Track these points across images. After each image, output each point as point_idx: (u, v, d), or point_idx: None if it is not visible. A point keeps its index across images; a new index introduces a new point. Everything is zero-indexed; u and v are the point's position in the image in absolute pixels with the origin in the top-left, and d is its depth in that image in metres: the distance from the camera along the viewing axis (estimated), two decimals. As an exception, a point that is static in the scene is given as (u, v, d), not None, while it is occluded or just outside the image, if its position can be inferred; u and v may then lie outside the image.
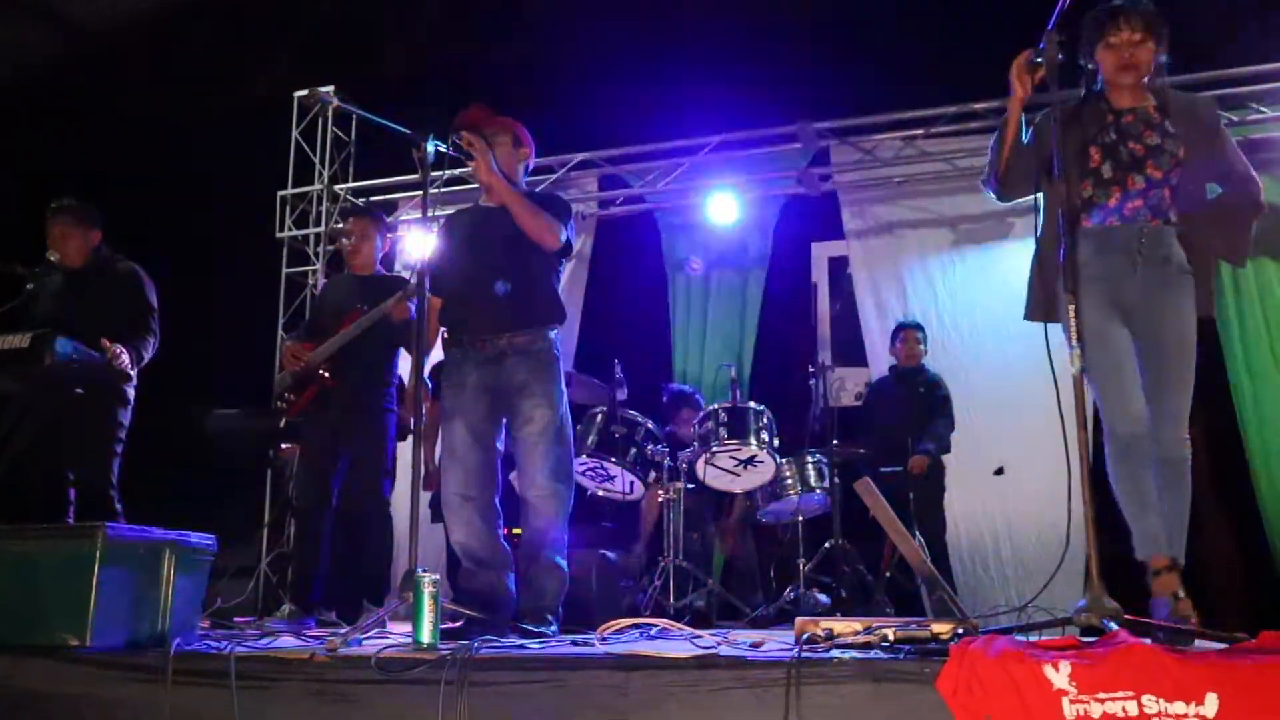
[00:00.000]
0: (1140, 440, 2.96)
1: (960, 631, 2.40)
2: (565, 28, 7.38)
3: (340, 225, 4.82)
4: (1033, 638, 2.42)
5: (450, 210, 4.54)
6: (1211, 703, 1.98)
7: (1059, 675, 2.07)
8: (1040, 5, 2.83)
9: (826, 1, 6.94)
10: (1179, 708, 1.99)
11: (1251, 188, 3.12)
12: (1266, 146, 5.69)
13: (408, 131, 3.29)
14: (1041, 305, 3.15)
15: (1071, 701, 2.05)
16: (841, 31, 6.69)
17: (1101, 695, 2.04)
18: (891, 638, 2.41)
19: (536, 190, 4.17)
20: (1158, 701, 2.00)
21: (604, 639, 2.88)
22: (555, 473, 3.51)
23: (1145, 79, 3.10)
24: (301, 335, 4.52)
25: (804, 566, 5.08)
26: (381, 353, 4.48)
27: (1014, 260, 5.78)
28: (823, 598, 4.98)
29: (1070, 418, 2.57)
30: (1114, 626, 2.33)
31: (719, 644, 2.65)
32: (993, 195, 3.27)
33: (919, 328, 5.90)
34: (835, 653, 2.32)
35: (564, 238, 3.62)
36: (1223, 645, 2.34)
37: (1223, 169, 3.11)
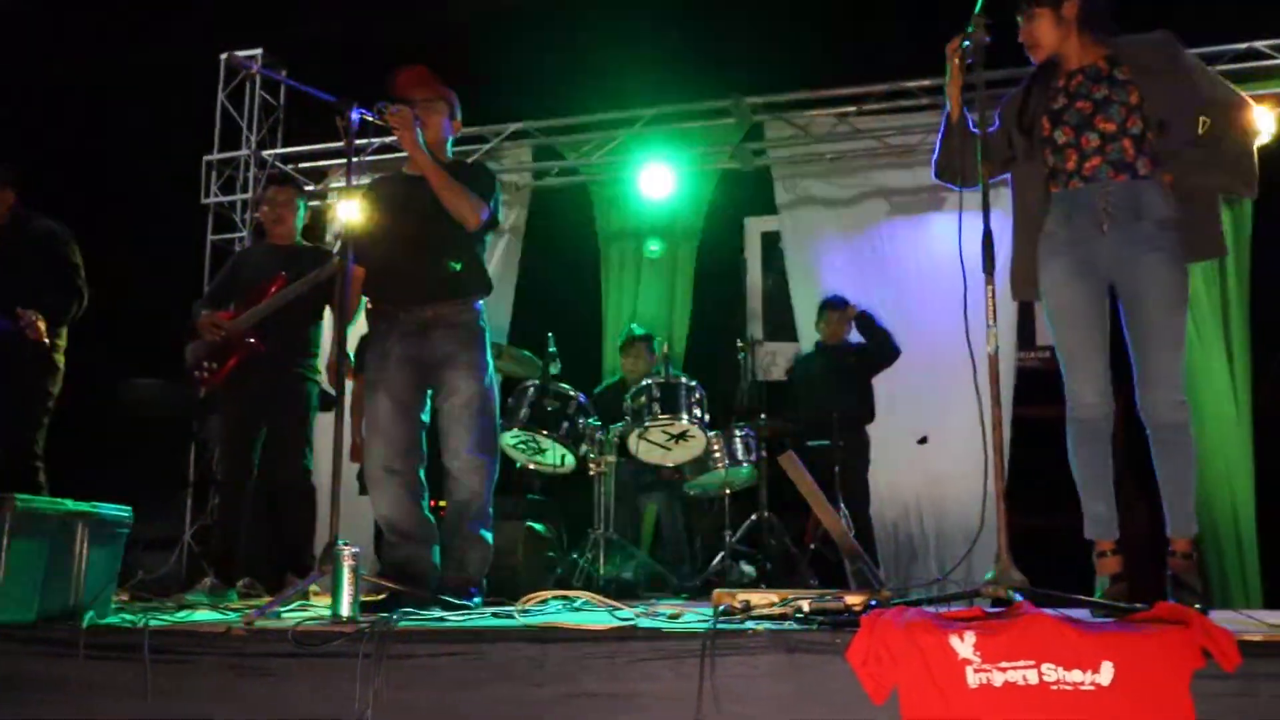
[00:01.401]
0: (1100, 423, 3.00)
1: (872, 603, 2.45)
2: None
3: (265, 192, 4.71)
4: (944, 609, 2.48)
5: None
6: (1107, 670, 2.05)
7: (964, 645, 2.13)
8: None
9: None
10: (1076, 675, 2.06)
11: (1238, 112, 2.97)
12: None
13: (331, 98, 3.23)
14: (1022, 284, 3.15)
15: (975, 670, 2.11)
16: (777, 8, 6.70)
17: (1004, 664, 2.11)
18: (806, 609, 2.44)
19: (466, 160, 4.13)
20: (1056, 670, 2.07)
21: (524, 611, 2.89)
22: (480, 445, 3.50)
23: (1080, 33, 3.03)
24: (208, 304, 4.42)
25: (730, 539, 5.14)
26: (304, 323, 4.42)
27: (943, 234, 5.89)
28: (748, 569, 5.05)
29: (985, 395, 2.63)
30: (1019, 598, 2.40)
31: (638, 616, 2.67)
32: (952, 186, 3.19)
33: (844, 307, 5.94)
34: (750, 624, 2.36)
35: (485, 216, 3.58)
36: (1119, 616, 2.42)
37: (1199, 99, 2.95)
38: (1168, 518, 3.00)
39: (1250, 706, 1.98)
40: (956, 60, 2.93)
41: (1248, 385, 5.83)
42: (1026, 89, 3.15)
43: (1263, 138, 2.99)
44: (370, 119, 3.40)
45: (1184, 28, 3.09)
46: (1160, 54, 2.99)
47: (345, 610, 2.71)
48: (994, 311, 2.60)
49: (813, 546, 5.26)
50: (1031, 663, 2.09)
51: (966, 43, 2.81)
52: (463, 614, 2.94)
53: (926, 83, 6.14)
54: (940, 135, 3.16)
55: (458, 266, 3.59)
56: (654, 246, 6.93)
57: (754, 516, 5.22)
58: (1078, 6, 3.02)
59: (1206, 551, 5.67)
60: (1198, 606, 2.77)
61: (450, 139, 3.82)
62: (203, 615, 3.06)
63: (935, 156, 3.18)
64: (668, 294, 6.93)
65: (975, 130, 3.12)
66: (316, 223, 6.85)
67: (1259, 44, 5.79)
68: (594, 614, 2.83)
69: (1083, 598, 2.57)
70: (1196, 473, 3.01)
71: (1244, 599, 5.57)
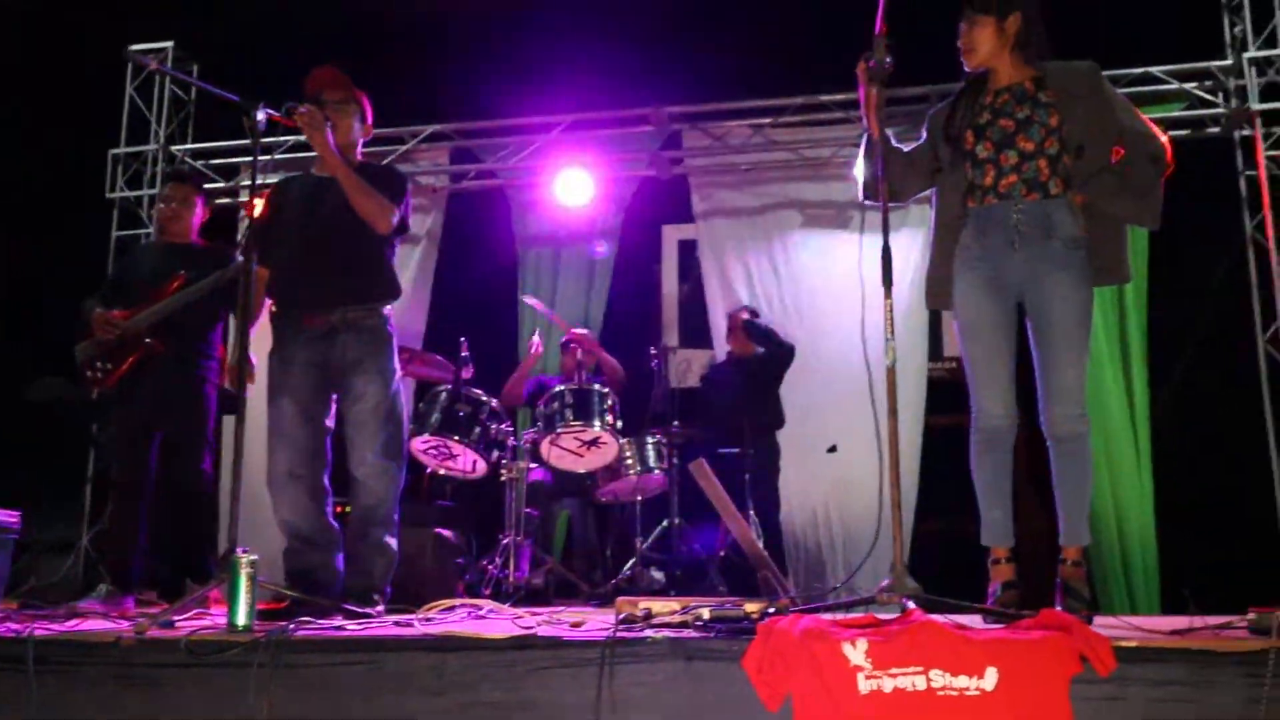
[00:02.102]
0: (1002, 434, 3.08)
1: (771, 610, 2.48)
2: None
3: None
4: (839, 616, 2.53)
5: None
6: (991, 676, 2.11)
7: (856, 652, 2.18)
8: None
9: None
10: (962, 681, 2.12)
11: (1150, 145, 3.05)
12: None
13: (234, 97, 3.17)
14: (936, 293, 3.22)
15: (866, 677, 2.16)
16: (696, 19, 6.75)
17: (894, 670, 2.16)
18: (706, 617, 2.48)
19: (378, 163, 4.09)
20: (944, 675, 2.13)
21: (426, 619, 2.87)
22: (386, 450, 3.47)
23: (1013, 53, 3.11)
24: (100, 302, 4.30)
25: (641, 545, 5.17)
26: (203, 325, 4.32)
27: (852, 248, 5.99)
28: (658, 576, 5.08)
29: (882, 406, 2.69)
30: (911, 605, 2.46)
31: (540, 624, 2.67)
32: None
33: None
34: (649, 632, 2.37)
35: (396, 220, 3.56)
36: (1006, 623, 2.49)
37: (1116, 128, 3.04)
38: (1061, 526, 3.11)
39: (1122, 709, 2.06)
40: (865, 81, 2.99)
41: (1146, 402, 6.04)
42: (954, 102, 3.23)
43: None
44: (278, 118, 3.35)
45: (1084, 51, 3.20)
46: (1084, 81, 3.10)
47: (241, 619, 2.66)
48: (891, 325, 2.66)
49: (722, 553, 5.30)
50: (920, 669, 2.15)
51: (872, 63, 2.86)
52: (363, 622, 2.91)
53: (840, 96, 6.26)
54: (862, 155, 3.20)
55: (365, 270, 3.55)
56: (601, 249, 6.93)
57: (665, 523, 5.25)
58: (1019, 25, 3.11)
59: (1111, 559, 5.86)
60: (1084, 613, 2.88)
61: (361, 141, 3.78)
62: (93, 624, 2.97)
63: (862, 178, 3.22)
64: (584, 300, 6.94)
65: (898, 146, 3.20)
66: (224, 221, 6.71)
67: (1155, 69, 6.02)
68: (496, 622, 2.82)
69: (973, 605, 2.64)
70: (1092, 485, 3.13)
71: (1144, 606, 5.78)
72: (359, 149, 3.77)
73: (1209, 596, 2.99)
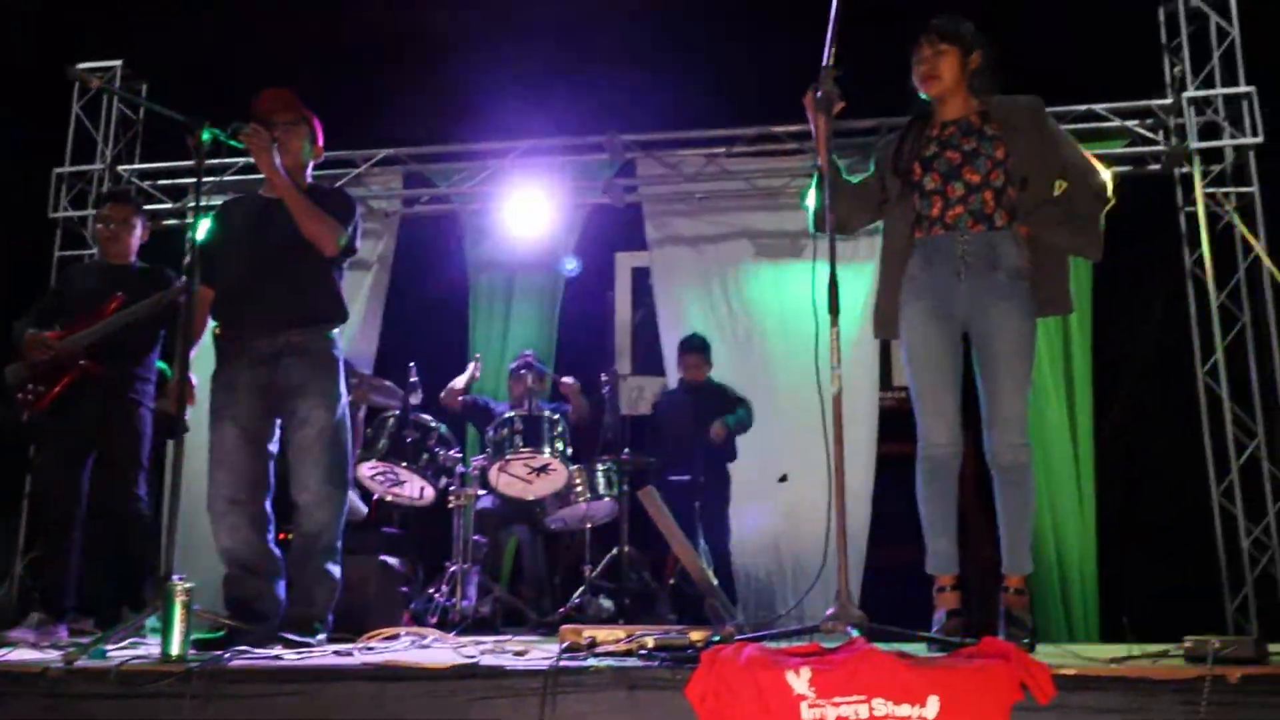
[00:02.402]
0: (949, 462, 3.11)
1: (715, 639, 2.47)
2: (377, 19, 7.21)
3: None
4: (784, 645, 2.53)
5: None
6: (933, 704, 2.11)
7: (799, 680, 2.17)
8: (842, 33, 2.94)
9: (638, 16, 7.05)
10: (904, 709, 2.12)
11: (1092, 179, 3.12)
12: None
13: (181, 117, 3.13)
14: (884, 323, 3.25)
15: (810, 705, 2.15)
16: (651, 48, 6.80)
17: (837, 699, 2.15)
18: (650, 645, 2.46)
19: (327, 185, 4.06)
20: (886, 704, 2.13)
21: (368, 649, 2.82)
22: (330, 477, 3.42)
23: (967, 89, 3.18)
24: (34, 323, 4.21)
25: (590, 573, 5.14)
26: (140, 348, 4.25)
27: (804, 278, 6.04)
28: (607, 604, 5.05)
29: (830, 435, 2.70)
30: (856, 634, 2.46)
31: (483, 653, 2.64)
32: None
33: (700, 349, 6.01)
34: (593, 661, 2.35)
35: (344, 242, 3.53)
36: (948, 651, 2.50)
37: (1059, 161, 3.11)
38: (1004, 555, 3.14)
39: (1061, 738, 2.07)
40: (813, 112, 3.02)
41: (1090, 433, 6.13)
42: (902, 135, 3.28)
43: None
44: (224, 139, 3.31)
45: (1029, 87, 3.27)
46: (1029, 116, 3.16)
47: (175, 649, 2.59)
48: (838, 354, 2.68)
49: (672, 581, 5.29)
50: (863, 697, 2.14)
51: (819, 94, 2.89)
52: (302, 652, 2.85)
53: (793, 128, 6.33)
54: (813, 187, 3.22)
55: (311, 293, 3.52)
56: (571, 266, 6.92)
57: (615, 551, 5.23)
58: (980, 62, 3.18)
59: (1051, 588, 5.93)
60: (1025, 641, 2.91)
61: (311, 163, 3.75)
62: (23, 654, 2.89)
63: (812, 208, 3.23)
64: (537, 326, 6.91)
65: (847, 178, 3.24)
66: (171, 242, 6.61)
67: (1098, 106, 6.16)
68: (439, 651, 2.78)
69: (916, 633, 2.65)
70: (1035, 514, 3.16)
71: (1084, 634, 5.84)
72: (308, 171, 3.74)
73: (1148, 625, 3.02)
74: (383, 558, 4.67)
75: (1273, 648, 2.72)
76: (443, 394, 5.52)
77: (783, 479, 6.07)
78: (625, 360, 7.12)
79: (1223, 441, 5.78)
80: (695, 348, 6.02)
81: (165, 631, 2.62)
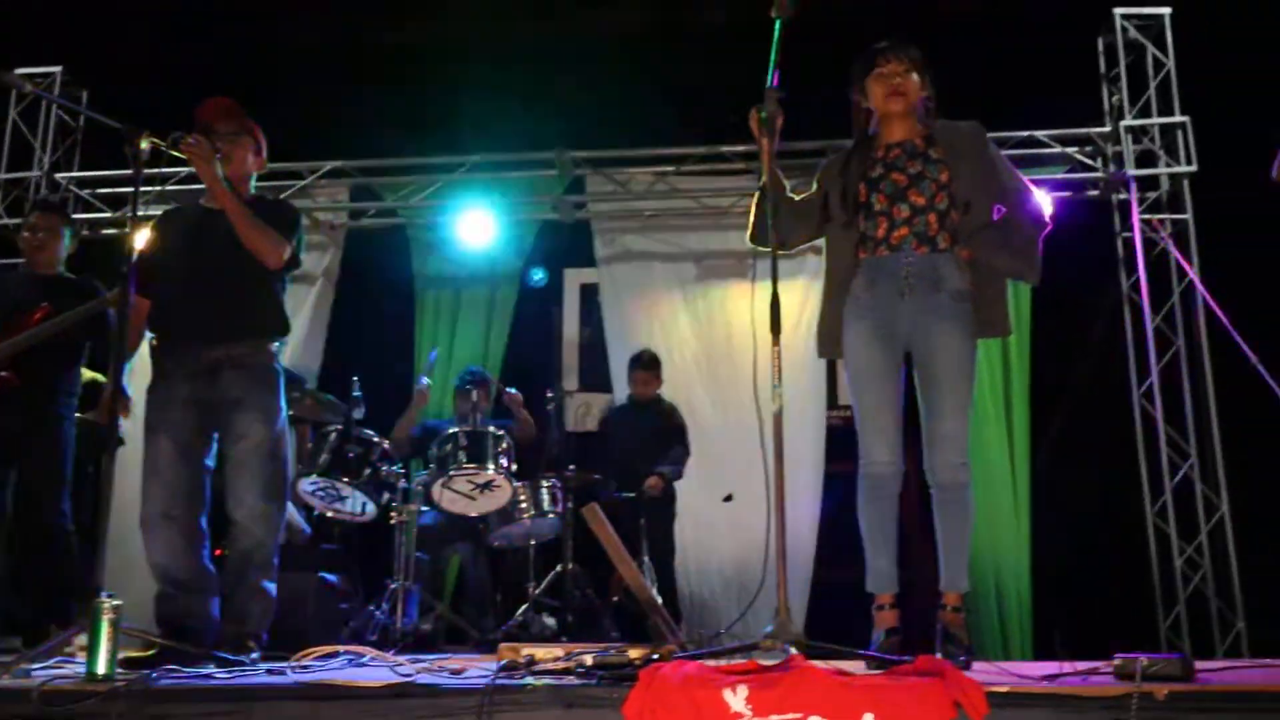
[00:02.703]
0: (889, 481, 3.13)
1: (653, 657, 2.46)
2: (326, 30, 7.16)
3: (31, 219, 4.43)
4: (722, 663, 2.53)
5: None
6: (868, 722, 2.13)
7: (736, 698, 2.17)
8: (788, 57, 2.98)
9: (589, 34, 7.07)
10: (840, 727, 2.13)
11: (1029, 204, 3.18)
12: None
13: (119, 125, 3.08)
14: (828, 342, 3.27)
15: (746, 724, 2.15)
16: (601, 66, 6.83)
17: (773, 717, 2.15)
18: (589, 663, 2.45)
19: (271, 197, 4.02)
20: (822, 722, 2.14)
21: (303, 667, 2.78)
22: (267, 492, 3.36)
23: (915, 112, 3.22)
24: None
25: (533, 590, 5.10)
26: (65, 360, 4.15)
27: (749, 297, 6.08)
28: (550, 622, 5.02)
29: (769, 453, 2.71)
30: (793, 651, 2.47)
31: (419, 671, 2.61)
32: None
33: (651, 366, 6.01)
34: (530, 679, 2.33)
35: (287, 255, 3.49)
36: (885, 668, 2.51)
37: (997, 188, 3.17)
38: (942, 573, 3.17)
39: (993, 754, 2.09)
40: (757, 132, 3.04)
41: (1027, 453, 6.24)
42: (847, 156, 3.30)
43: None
44: (164, 148, 3.26)
45: (972, 113, 3.33)
46: (971, 141, 3.22)
47: (101, 668, 2.53)
48: (779, 372, 2.69)
49: (615, 599, 5.27)
50: (799, 715, 2.15)
51: (764, 114, 2.92)
52: (234, 671, 2.79)
53: (741, 148, 6.39)
54: (755, 202, 3.24)
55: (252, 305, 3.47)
56: (538, 276, 6.90)
57: (558, 568, 5.20)
58: (928, 88, 3.24)
59: (987, 605, 6.00)
60: (962, 658, 2.94)
61: (254, 174, 3.71)
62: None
63: (752, 222, 3.26)
64: (483, 342, 6.88)
65: (790, 195, 3.27)
66: (110, 251, 6.50)
67: (1039, 133, 6.29)
68: (375, 670, 2.74)
69: (853, 651, 2.66)
70: (972, 533, 3.20)
71: (1019, 651, 5.92)
72: (251, 182, 3.69)
73: (1084, 642, 3.07)
74: (321, 575, 4.61)
75: (1204, 665, 2.78)
76: (390, 441, 5.38)
77: (728, 498, 6.09)
78: (572, 377, 7.10)
79: (1157, 462, 5.91)
80: (646, 364, 6.01)
81: (91, 650, 2.55)
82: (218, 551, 3.51)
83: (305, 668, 2.78)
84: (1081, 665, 2.47)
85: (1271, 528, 5.52)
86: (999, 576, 6.04)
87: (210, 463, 3.46)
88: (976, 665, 2.89)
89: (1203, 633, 5.73)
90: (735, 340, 6.24)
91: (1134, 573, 5.88)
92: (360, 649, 3.00)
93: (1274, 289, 5.66)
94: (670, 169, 6.64)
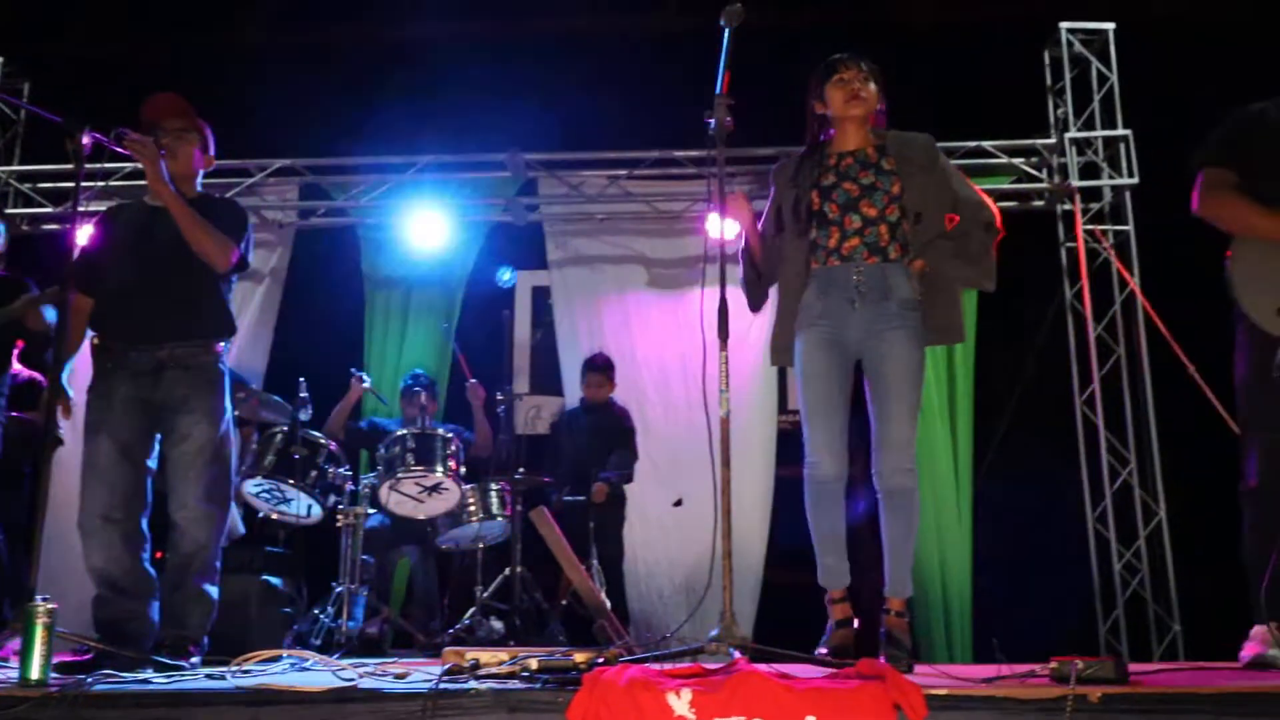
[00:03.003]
0: (834, 483, 3.17)
1: (598, 660, 2.47)
2: (277, 28, 7.08)
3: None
4: (667, 666, 2.53)
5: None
6: (810, 724, 2.15)
7: (680, 702, 2.18)
8: (740, 66, 3.00)
9: (543, 36, 7.07)
10: (782, 730, 2.15)
11: (983, 213, 3.22)
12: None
13: (59, 119, 3.02)
14: (780, 350, 3.29)
15: (689, 727, 2.16)
16: (556, 67, 6.82)
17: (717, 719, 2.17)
18: (534, 667, 2.44)
19: (219, 196, 3.96)
20: (764, 724, 2.15)
21: (244, 672, 2.74)
22: (209, 494, 3.32)
23: (869, 121, 3.26)
24: None
25: (481, 594, 5.08)
26: None
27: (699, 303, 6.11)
28: (498, 625, 5.00)
29: (717, 458, 2.73)
30: (738, 654, 2.49)
31: (362, 676, 2.59)
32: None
33: (604, 369, 6.02)
34: (474, 683, 2.32)
35: (235, 258, 3.45)
36: (829, 670, 2.54)
37: (949, 199, 3.22)
38: (887, 577, 3.21)
39: (932, 756, 2.12)
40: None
41: (970, 459, 6.33)
42: (799, 164, 3.32)
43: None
44: (107, 144, 3.21)
45: (922, 123, 3.38)
46: (922, 152, 3.26)
47: (35, 673, 2.47)
48: (726, 378, 2.71)
49: (564, 602, 5.26)
50: (743, 718, 2.16)
51: (710, 122, 2.93)
52: (172, 675, 2.75)
53: (694, 153, 6.41)
54: (741, 273, 3.36)
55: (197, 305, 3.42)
56: (507, 275, 6.85)
57: (506, 571, 5.18)
58: (881, 100, 3.28)
59: (934, 608, 6.09)
60: (905, 662, 2.97)
61: (202, 172, 3.65)
62: None
63: (745, 292, 3.39)
64: (434, 344, 6.83)
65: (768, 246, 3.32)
66: (51, 248, 6.37)
67: (986, 143, 6.39)
68: (318, 674, 2.71)
69: (796, 653, 2.68)
70: (918, 538, 3.25)
71: (962, 653, 6.00)
72: (199, 180, 3.64)
73: (1025, 645, 3.12)
74: (265, 578, 4.55)
75: (1139, 668, 2.84)
76: (325, 426, 5.36)
77: (678, 503, 6.11)
78: (523, 379, 7.08)
79: (1098, 468, 6.03)
80: (598, 367, 6.02)
81: (24, 655, 2.49)
82: (158, 554, 3.46)
83: (246, 672, 2.75)
84: (1020, 668, 2.52)
85: (1207, 532, 5.63)
86: (945, 580, 6.12)
87: (152, 464, 3.40)
88: (918, 668, 2.93)
89: (1141, 636, 5.85)
90: (686, 345, 6.26)
91: (1075, 576, 5.99)
92: (303, 653, 2.97)
93: (1212, 300, 5.78)
94: (623, 173, 6.65)
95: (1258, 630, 3.00)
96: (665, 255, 6.74)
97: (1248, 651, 3.00)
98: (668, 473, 6.13)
